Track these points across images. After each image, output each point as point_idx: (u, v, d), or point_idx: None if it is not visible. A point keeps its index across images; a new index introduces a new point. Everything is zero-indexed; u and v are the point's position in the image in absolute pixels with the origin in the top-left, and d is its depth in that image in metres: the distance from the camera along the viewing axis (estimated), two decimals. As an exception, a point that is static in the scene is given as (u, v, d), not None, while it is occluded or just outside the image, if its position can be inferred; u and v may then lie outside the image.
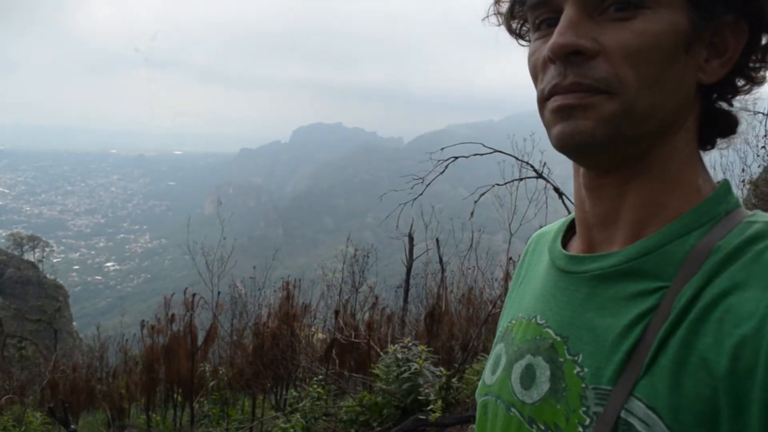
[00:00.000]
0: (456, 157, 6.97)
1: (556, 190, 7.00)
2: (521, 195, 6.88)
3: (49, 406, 7.55)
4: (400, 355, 5.82)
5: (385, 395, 5.82)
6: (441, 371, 5.69)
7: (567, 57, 0.67)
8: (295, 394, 6.22)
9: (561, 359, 0.72)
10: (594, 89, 0.66)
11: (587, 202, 0.76)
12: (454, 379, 5.81)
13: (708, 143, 0.77)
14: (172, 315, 7.93)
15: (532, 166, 6.52)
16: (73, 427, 3.31)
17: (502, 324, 0.90)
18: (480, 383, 0.88)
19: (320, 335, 9.08)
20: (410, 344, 5.96)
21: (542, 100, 0.72)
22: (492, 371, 0.85)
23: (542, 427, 0.71)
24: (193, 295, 7.60)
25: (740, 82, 0.73)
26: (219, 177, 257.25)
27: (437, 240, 9.33)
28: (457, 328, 7.39)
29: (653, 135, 0.69)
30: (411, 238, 9.93)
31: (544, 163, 6.72)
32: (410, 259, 9.95)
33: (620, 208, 0.73)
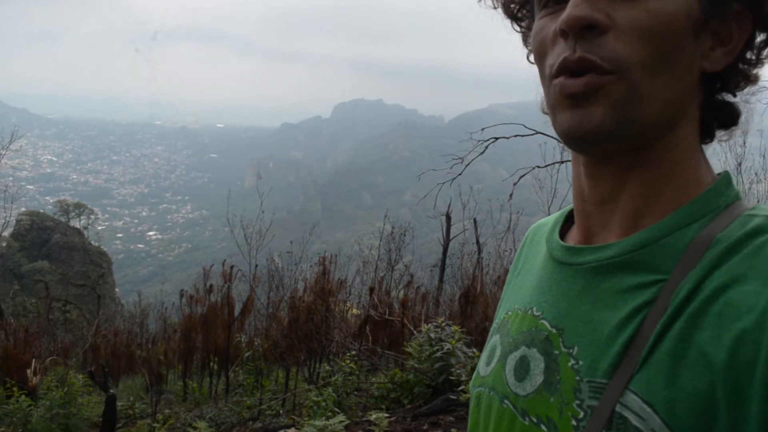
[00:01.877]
0: (497, 138, 6.90)
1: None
2: (562, 178, 6.77)
3: (90, 369, 7.81)
4: (433, 335, 5.83)
5: (417, 373, 5.85)
6: (474, 352, 5.68)
7: (580, 31, 0.65)
8: (327, 368, 6.30)
9: (556, 351, 0.71)
10: (599, 68, 0.64)
11: (586, 191, 0.75)
12: (486, 361, 5.80)
13: (708, 135, 0.75)
14: (211, 285, 8.08)
15: (573, 149, 6.43)
16: (111, 391, 3.41)
17: (499, 315, 0.89)
18: (474, 375, 0.87)
19: (355, 311, 9.15)
20: (444, 324, 5.97)
21: (549, 77, 0.70)
22: (487, 363, 0.84)
23: (535, 420, 0.70)
24: (231, 266, 7.72)
25: (737, 78, 0.72)
26: (260, 150, 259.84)
27: (474, 220, 9.28)
28: (492, 310, 7.36)
29: (659, 122, 0.68)
30: (448, 218, 9.90)
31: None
32: (447, 239, 9.93)
33: (620, 197, 0.71)
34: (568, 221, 0.86)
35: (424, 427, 4.74)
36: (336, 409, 5.01)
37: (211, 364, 7.99)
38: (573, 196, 0.79)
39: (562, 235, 0.83)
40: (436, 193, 8.02)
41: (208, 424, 5.50)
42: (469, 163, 7.15)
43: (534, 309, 0.78)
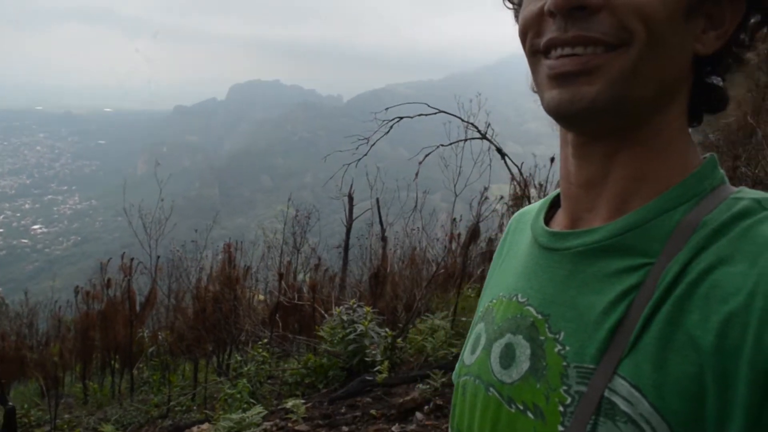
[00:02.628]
0: (401, 117, 6.90)
1: (499, 150, 7.05)
2: (466, 156, 6.89)
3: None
4: (345, 317, 5.82)
5: (331, 357, 5.82)
6: (386, 332, 5.71)
7: (569, 11, 0.64)
8: (239, 358, 6.14)
9: (542, 337, 0.70)
10: (605, 44, 0.64)
11: (574, 172, 0.74)
12: (399, 340, 5.86)
13: (696, 118, 0.75)
14: (109, 280, 7.67)
15: (476, 127, 6.51)
16: (11, 404, 3.14)
17: (483, 303, 0.88)
18: (458, 364, 0.86)
19: (260, 297, 9.00)
20: (355, 306, 5.96)
21: (535, 52, 0.70)
22: (471, 351, 0.83)
23: (521, 407, 0.70)
24: (131, 259, 7.34)
25: (728, 61, 0.72)
26: (152, 135, 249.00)
27: (377, 200, 9.31)
28: (401, 289, 7.44)
29: (652, 101, 0.67)
30: (351, 199, 9.89)
31: (488, 125, 6.73)
32: (350, 220, 9.93)
33: (607, 179, 0.71)
34: (552, 208, 0.85)
35: (342, 410, 4.73)
36: (252, 400, 4.89)
37: (113, 362, 7.62)
38: (560, 179, 0.78)
39: (547, 221, 0.83)
40: (341, 174, 7.96)
41: (114, 426, 5.24)
42: (374, 144, 7.11)
43: (519, 295, 0.78)
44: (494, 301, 0.84)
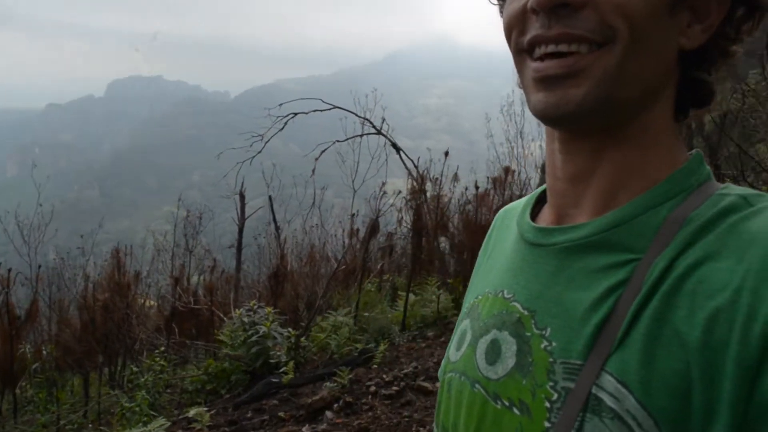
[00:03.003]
0: (295, 114, 6.83)
1: (394, 145, 7.15)
2: (363, 151, 6.93)
3: None
4: (246, 319, 5.69)
5: (233, 361, 5.68)
6: (289, 332, 5.64)
7: (553, 9, 0.65)
8: (134, 369, 5.85)
9: (528, 333, 0.70)
10: (589, 41, 0.64)
11: (560, 166, 0.74)
12: (302, 339, 5.81)
13: (682, 113, 0.75)
14: (-20, 294, 7.06)
15: (372, 123, 6.56)
16: None
17: (468, 300, 0.89)
18: (444, 360, 0.86)
19: (151, 303, 8.63)
20: (256, 307, 5.85)
21: (521, 51, 0.70)
22: (457, 348, 0.83)
23: (507, 404, 0.70)
24: (9, 270, 6.79)
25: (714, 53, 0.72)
26: (22, 135, 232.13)
27: (270, 197, 9.19)
28: (302, 287, 7.37)
29: (639, 99, 0.68)
30: (242, 197, 9.70)
31: (383, 119, 6.80)
32: (242, 218, 9.75)
33: (593, 174, 0.71)
34: (538, 204, 0.85)
35: (248, 415, 4.62)
36: (152, 412, 4.67)
37: (-9, 381, 7.04)
38: (546, 174, 0.79)
39: (533, 217, 0.83)
40: (235, 172, 7.78)
41: (-4, 451, 4.85)
42: (269, 140, 7.00)
43: (505, 291, 0.78)
44: (480, 297, 0.84)
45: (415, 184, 6.96)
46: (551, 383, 0.65)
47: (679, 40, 0.68)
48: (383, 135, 6.52)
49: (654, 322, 0.60)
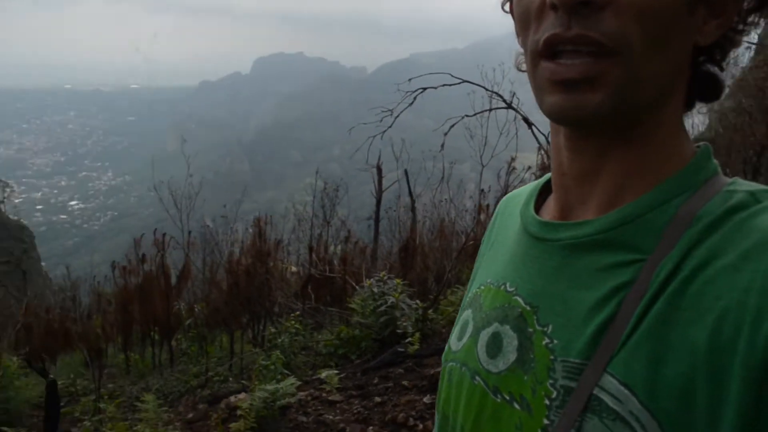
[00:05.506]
0: (425, 88, 6.88)
1: (526, 120, 7.00)
2: (492, 126, 6.85)
3: (24, 351, 7.53)
4: (376, 289, 5.89)
5: (363, 329, 5.92)
6: (417, 304, 5.78)
7: (574, 6, 0.61)
8: (273, 330, 6.29)
9: (530, 329, 0.70)
10: (601, 46, 0.61)
11: (566, 163, 0.72)
12: (429, 311, 5.93)
13: (689, 106, 0.73)
14: (143, 255, 7.87)
15: (501, 97, 6.47)
16: (51, 376, 3.32)
17: (471, 290, 0.87)
18: (446, 348, 0.85)
19: (293, 269, 9.12)
20: (386, 278, 6.03)
21: (535, 54, 0.65)
22: (459, 337, 0.82)
23: (507, 398, 0.69)
24: (164, 234, 7.52)
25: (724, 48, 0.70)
26: (180, 111, 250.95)
27: (406, 171, 9.31)
28: (431, 260, 7.49)
29: (653, 102, 0.66)
30: (379, 170, 9.90)
31: (513, 93, 6.68)
32: (379, 191, 9.94)
33: (601, 172, 0.69)
34: (542, 195, 0.83)
35: (375, 381, 4.83)
36: (285, 371, 5.03)
37: (152, 334, 7.85)
38: (552, 168, 0.76)
39: (537, 206, 0.81)
40: (367, 146, 7.99)
41: (155, 395, 5.44)
42: (398, 115, 7.11)
43: (507, 284, 0.77)
44: (482, 287, 0.83)
45: (545, 158, 6.82)
46: (551, 381, 0.65)
47: (694, 37, 0.66)
48: (513, 109, 6.41)
49: (660, 324, 0.58)
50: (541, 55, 0.64)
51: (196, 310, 7.68)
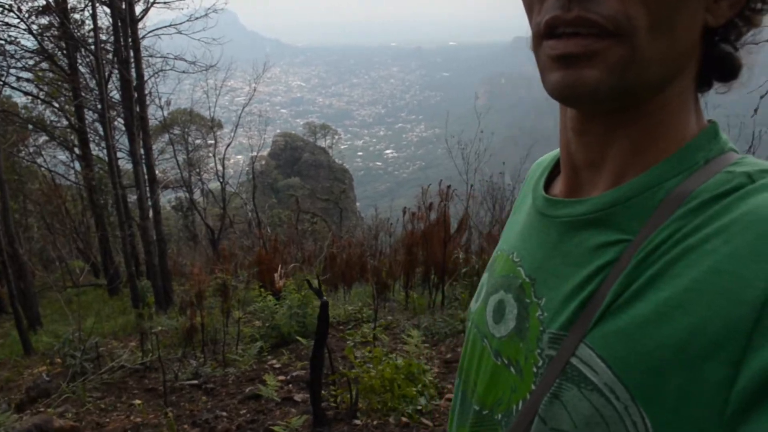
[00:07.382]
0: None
1: None
2: None
3: (326, 275, 8.78)
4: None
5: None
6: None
7: None
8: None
9: (528, 300, 0.73)
10: (601, 28, 0.59)
11: (573, 145, 0.72)
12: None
13: (706, 84, 0.69)
14: (430, 204, 8.48)
15: None
16: (325, 298, 3.92)
17: (494, 254, 0.91)
18: (469, 307, 0.91)
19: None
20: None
21: (538, 36, 0.65)
22: (476, 299, 0.88)
23: (506, 362, 0.74)
24: (448, 186, 8.02)
25: (739, 23, 0.66)
26: (492, 67, 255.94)
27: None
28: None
29: (657, 83, 0.64)
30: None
31: None
32: None
33: (607, 153, 0.69)
34: (556, 168, 0.84)
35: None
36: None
37: (432, 276, 8.47)
38: (560, 146, 0.77)
39: (551, 180, 0.83)
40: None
41: (421, 332, 5.95)
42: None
43: (515, 254, 0.81)
44: (498, 253, 0.87)
45: None
46: (539, 350, 0.68)
47: (704, 17, 0.63)
48: None
49: (636, 301, 0.59)
50: (543, 36, 0.64)
51: (473, 259, 8.05)
